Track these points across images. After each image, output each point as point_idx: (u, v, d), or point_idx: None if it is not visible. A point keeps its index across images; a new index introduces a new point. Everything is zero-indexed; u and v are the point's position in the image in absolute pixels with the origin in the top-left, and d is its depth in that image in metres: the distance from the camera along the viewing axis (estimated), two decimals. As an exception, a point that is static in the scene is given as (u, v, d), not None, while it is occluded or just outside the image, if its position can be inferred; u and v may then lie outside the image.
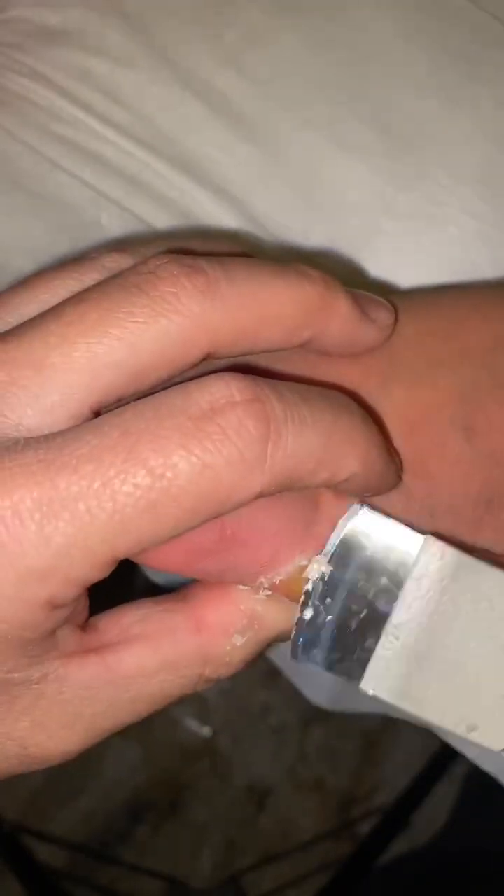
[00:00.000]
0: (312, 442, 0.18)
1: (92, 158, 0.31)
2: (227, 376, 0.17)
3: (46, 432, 0.17)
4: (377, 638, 0.19)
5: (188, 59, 0.31)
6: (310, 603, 0.19)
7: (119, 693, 0.20)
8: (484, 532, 0.22)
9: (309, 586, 0.19)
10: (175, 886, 0.99)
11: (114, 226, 0.31)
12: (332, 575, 0.19)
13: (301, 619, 0.20)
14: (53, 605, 0.17)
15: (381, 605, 0.19)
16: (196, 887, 0.99)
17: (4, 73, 0.32)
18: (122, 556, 0.17)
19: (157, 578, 0.42)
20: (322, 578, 0.19)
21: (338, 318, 0.20)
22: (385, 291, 0.23)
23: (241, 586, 0.20)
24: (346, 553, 0.19)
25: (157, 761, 1.05)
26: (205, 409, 0.17)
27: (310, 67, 0.31)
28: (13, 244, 0.32)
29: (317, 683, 0.45)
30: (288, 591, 0.20)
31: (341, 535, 0.19)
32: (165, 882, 0.99)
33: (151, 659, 0.20)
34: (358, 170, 0.30)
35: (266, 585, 0.20)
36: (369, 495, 0.20)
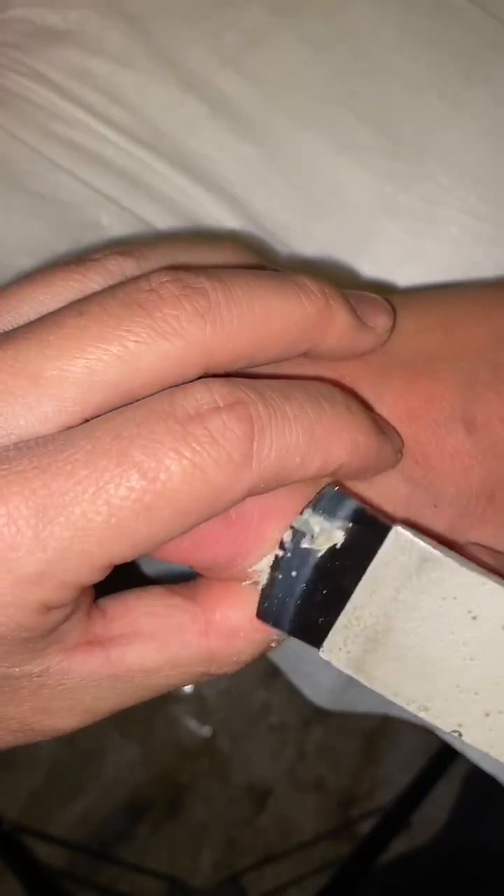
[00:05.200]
0: (296, 437, 0.18)
1: (92, 158, 0.31)
2: (209, 382, 0.18)
3: None
4: (338, 613, 0.20)
5: (188, 60, 0.31)
6: (279, 568, 0.20)
7: (121, 684, 0.20)
8: (487, 526, 0.22)
9: (279, 552, 0.20)
10: (175, 886, 0.99)
11: (114, 225, 0.31)
12: (301, 547, 0.20)
13: (269, 582, 0.20)
14: (49, 608, 0.17)
15: (345, 583, 0.20)
16: (196, 887, 0.99)
17: (4, 73, 0.32)
18: (117, 561, 0.17)
19: (149, 570, 0.42)
20: (291, 548, 0.20)
21: (335, 331, 0.20)
22: (384, 291, 0.23)
23: (247, 582, 0.20)
24: (311, 532, 0.20)
25: (156, 761, 1.05)
26: (191, 413, 0.17)
27: (310, 67, 0.31)
28: (14, 244, 0.32)
29: (316, 683, 0.45)
30: None
31: (312, 509, 0.20)
32: (165, 882, 0.99)
33: (157, 657, 0.20)
34: (358, 170, 0.30)
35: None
36: (371, 475, 0.21)
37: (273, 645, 0.21)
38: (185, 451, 0.17)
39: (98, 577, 0.17)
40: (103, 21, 0.32)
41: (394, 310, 0.22)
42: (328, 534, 0.20)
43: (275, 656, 0.46)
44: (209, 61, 0.31)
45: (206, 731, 1.07)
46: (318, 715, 1.05)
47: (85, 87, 0.31)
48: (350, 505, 0.20)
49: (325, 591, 0.20)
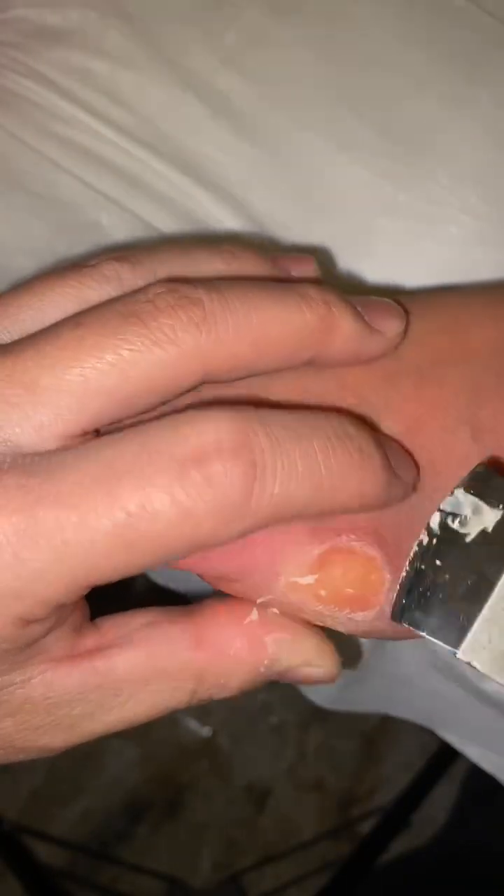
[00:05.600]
0: (301, 488, 0.17)
1: (92, 158, 0.31)
2: (216, 416, 0.17)
3: (35, 450, 0.17)
4: (482, 607, 0.18)
5: (188, 60, 0.31)
6: (423, 558, 0.19)
7: (108, 697, 0.19)
8: None
9: (423, 539, 0.19)
10: (175, 886, 0.99)
11: (114, 226, 0.31)
12: (450, 532, 0.19)
13: (406, 578, 0.19)
14: (28, 622, 0.17)
15: (490, 571, 0.18)
16: (196, 887, 0.99)
17: (4, 73, 0.32)
18: (97, 584, 0.17)
19: (158, 578, 0.42)
20: (438, 533, 0.19)
21: (340, 338, 0.20)
22: (389, 294, 0.23)
23: (262, 599, 0.20)
24: (461, 515, 0.19)
25: (156, 761, 1.05)
26: (192, 452, 0.17)
27: (310, 67, 0.31)
28: (13, 244, 0.32)
29: (317, 683, 0.45)
30: (319, 588, 0.20)
31: (457, 496, 0.19)
32: (165, 882, 0.99)
33: (143, 666, 0.20)
34: (358, 170, 0.30)
35: (288, 580, 0.20)
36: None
37: (262, 670, 0.20)
38: (178, 495, 0.16)
39: (77, 596, 0.17)
40: (103, 21, 0.32)
41: (406, 313, 0.22)
42: (480, 516, 0.18)
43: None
44: (209, 61, 0.31)
45: (206, 731, 1.06)
46: (318, 715, 1.05)
47: (85, 87, 0.31)
48: (501, 484, 0.19)
49: (469, 582, 0.18)
